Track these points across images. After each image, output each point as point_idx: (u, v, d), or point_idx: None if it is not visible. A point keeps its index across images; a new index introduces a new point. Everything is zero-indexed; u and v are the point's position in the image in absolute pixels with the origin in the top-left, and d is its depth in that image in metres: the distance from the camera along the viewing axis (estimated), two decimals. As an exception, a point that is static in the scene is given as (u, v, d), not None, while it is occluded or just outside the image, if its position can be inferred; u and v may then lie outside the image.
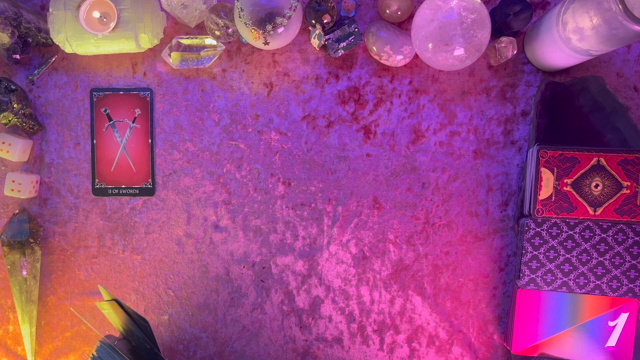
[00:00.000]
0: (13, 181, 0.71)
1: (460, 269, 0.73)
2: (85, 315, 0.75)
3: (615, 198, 0.66)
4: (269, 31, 0.63)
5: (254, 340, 0.75)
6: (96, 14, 0.68)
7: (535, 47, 0.68)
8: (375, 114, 0.73)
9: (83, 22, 0.68)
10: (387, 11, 0.70)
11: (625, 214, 0.66)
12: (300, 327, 0.75)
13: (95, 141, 0.74)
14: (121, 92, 0.74)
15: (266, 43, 0.65)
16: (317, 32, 0.69)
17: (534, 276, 0.68)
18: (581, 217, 0.66)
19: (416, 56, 0.72)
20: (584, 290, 0.67)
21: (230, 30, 0.69)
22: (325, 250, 0.74)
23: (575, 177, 0.66)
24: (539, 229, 0.67)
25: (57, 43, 0.69)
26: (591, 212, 0.66)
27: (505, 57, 0.69)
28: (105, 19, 0.68)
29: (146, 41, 0.70)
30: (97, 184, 0.74)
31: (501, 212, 0.73)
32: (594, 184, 0.66)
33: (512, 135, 0.72)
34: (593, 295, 0.68)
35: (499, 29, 0.70)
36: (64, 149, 0.74)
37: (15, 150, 0.71)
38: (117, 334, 0.67)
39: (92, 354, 0.62)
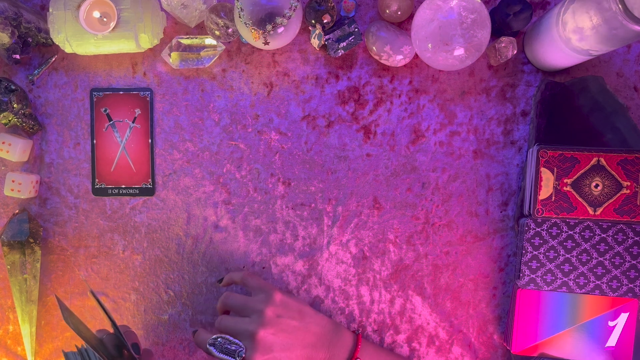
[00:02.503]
0: (13, 181, 0.71)
1: (460, 269, 0.73)
2: (85, 315, 0.75)
3: (615, 198, 0.66)
4: (269, 31, 0.63)
5: (254, 340, 0.75)
6: (96, 14, 0.68)
7: (535, 47, 0.68)
8: (375, 114, 0.73)
9: (83, 22, 0.68)
10: (387, 11, 0.69)
11: (625, 214, 0.66)
12: (300, 327, 0.74)
13: (95, 141, 0.74)
14: (121, 92, 0.74)
15: (266, 43, 0.65)
16: (317, 32, 0.69)
17: (534, 276, 0.68)
18: (581, 217, 0.66)
19: (416, 56, 0.72)
20: (584, 290, 0.67)
21: (230, 30, 0.69)
22: (325, 250, 0.74)
23: (575, 177, 0.66)
24: (539, 229, 0.67)
25: (57, 43, 0.69)
26: (591, 212, 0.66)
27: (505, 57, 0.69)
28: (105, 19, 0.68)
29: (146, 41, 0.70)
30: (97, 184, 0.74)
31: (501, 212, 0.73)
32: (594, 184, 0.66)
33: (512, 135, 0.72)
34: (593, 295, 0.68)
35: (499, 29, 0.70)
36: (64, 149, 0.74)
37: (15, 150, 0.71)
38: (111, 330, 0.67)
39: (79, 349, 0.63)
